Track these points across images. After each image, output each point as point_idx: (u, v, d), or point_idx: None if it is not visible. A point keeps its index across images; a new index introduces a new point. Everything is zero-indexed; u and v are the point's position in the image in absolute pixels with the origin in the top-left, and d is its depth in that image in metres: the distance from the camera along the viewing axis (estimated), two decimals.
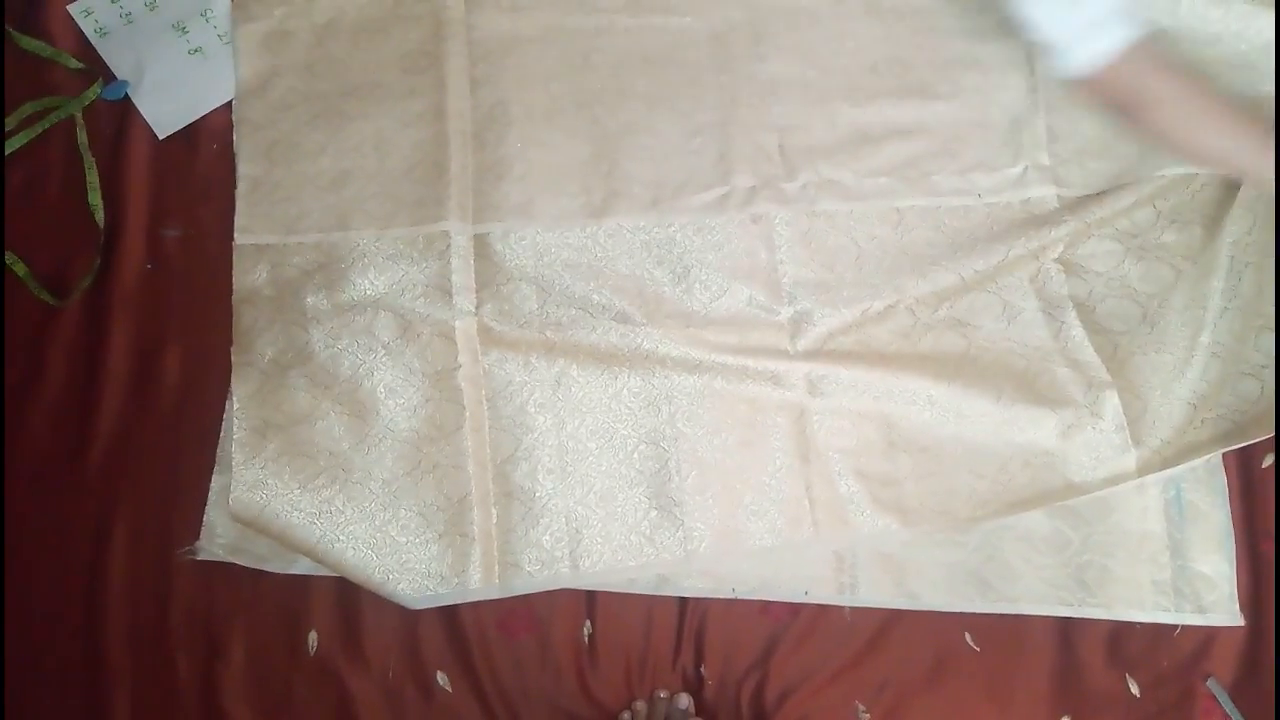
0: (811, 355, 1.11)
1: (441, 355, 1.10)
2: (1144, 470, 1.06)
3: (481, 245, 1.14)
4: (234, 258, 1.15)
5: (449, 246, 1.13)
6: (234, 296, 1.13)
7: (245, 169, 1.18)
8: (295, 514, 1.05)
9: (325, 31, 1.23)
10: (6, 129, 1.18)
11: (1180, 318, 1.10)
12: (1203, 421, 1.07)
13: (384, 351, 1.10)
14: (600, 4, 1.25)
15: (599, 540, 1.06)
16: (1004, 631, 1.06)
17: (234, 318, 1.13)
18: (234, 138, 1.19)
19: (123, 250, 1.16)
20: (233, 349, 1.11)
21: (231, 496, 1.05)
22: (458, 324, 1.11)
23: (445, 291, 1.12)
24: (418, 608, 1.04)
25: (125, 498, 1.09)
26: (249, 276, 1.14)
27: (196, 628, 1.06)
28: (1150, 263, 1.13)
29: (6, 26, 1.21)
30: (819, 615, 1.07)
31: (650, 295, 1.13)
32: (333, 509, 1.05)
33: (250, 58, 1.22)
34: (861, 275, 1.14)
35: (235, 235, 1.15)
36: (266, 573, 1.07)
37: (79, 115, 1.19)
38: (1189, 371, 1.07)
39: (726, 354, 1.11)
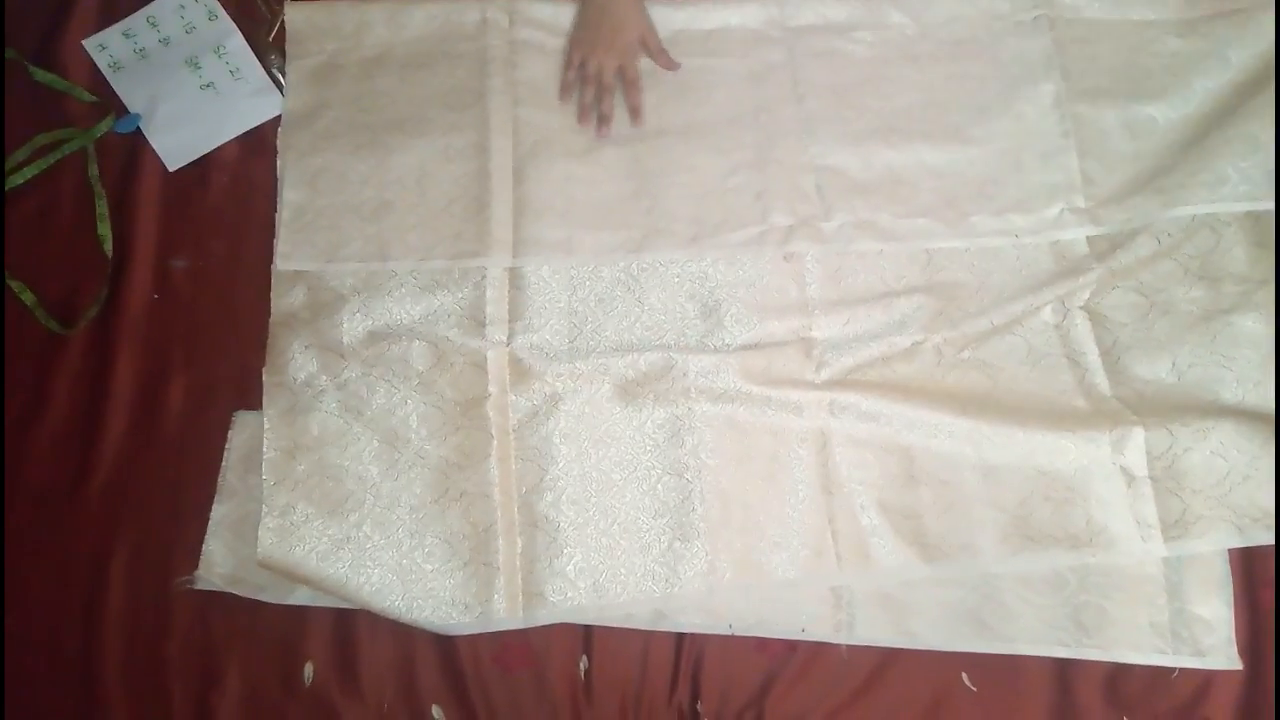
0: (834, 385, 1.12)
1: (472, 384, 1.12)
2: (1167, 523, 1.06)
3: (516, 278, 1.16)
4: (273, 281, 1.17)
5: (484, 278, 1.16)
6: (271, 319, 1.15)
7: (289, 196, 1.20)
8: (322, 540, 1.05)
9: (373, 66, 1.26)
10: (19, 160, 1.20)
11: (1209, 372, 1.11)
12: (1231, 486, 1.07)
13: (418, 380, 1.12)
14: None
15: (622, 571, 1.07)
16: (1001, 672, 1.06)
17: (269, 339, 1.14)
18: (278, 165, 1.22)
19: (130, 280, 1.17)
20: (265, 370, 1.12)
21: (261, 524, 1.05)
22: (489, 354, 1.12)
23: (479, 321, 1.14)
24: (447, 634, 1.05)
25: (126, 526, 1.10)
26: (286, 299, 1.16)
27: (193, 657, 1.06)
28: (1176, 317, 1.14)
29: (23, 59, 1.23)
30: (816, 653, 1.06)
31: (679, 328, 1.15)
32: (360, 534, 1.06)
33: (300, 90, 1.25)
34: (890, 313, 1.16)
35: (276, 261, 1.17)
36: (264, 604, 1.07)
37: (90, 148, 1.21)
38: (1219, 426, 1.07)
39: (751, 384, 1.12)
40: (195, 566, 1.08)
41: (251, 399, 1.13)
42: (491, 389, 1.12)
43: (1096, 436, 1.08)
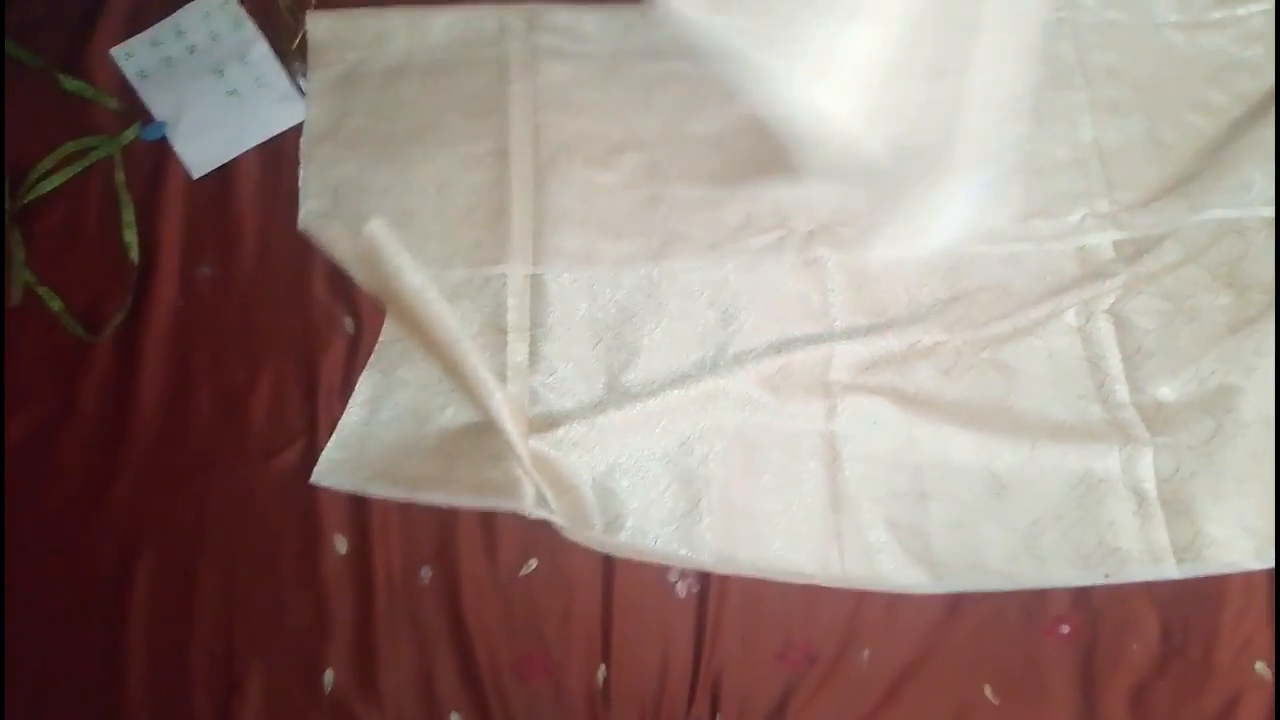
0: (850, 392, 1.11)
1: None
2: (1179, 545, 1.05)
3: (537, 285, 1.16)
4: None
5: (504, 285, 1.16)
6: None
7: (311, 205, 1.20)
8: None
9: (395, 74, 1.26)
10: (47, 168, 1.21)
11: (1230, 381, 1.09)
12: (1244, 509, 1.05)
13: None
14: (662, 50, 1.27)
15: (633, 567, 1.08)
16: (1025, 685, 1.05)
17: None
18: (300, 175, 1.22)
19: (156, 288, 1.18)
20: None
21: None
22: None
23: (500, 329, 1.14)
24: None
25: (150, 534, 1.10)
26: None
27: (215, 665, 1.07)
28: (1202, 324, 1.12)
29: (52, 68, 1.24)
30: (836, 664, 1.06)
31: (699, 336, 1.14)
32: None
33: (322, 99, 1.25)
34: (912, 319, 1.15)
35: None
36: (285, 611, 1.07)
37: (117, 155, 1.22)
38: (1229, 447, 1.06)
39: (766, 394, 1.11)
40: (219, 576, 1.09)
41: (279, 406, 1.14)
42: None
43: (1106, 453, 1.07)
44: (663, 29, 1.27)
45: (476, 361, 1.06)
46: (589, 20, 1.28)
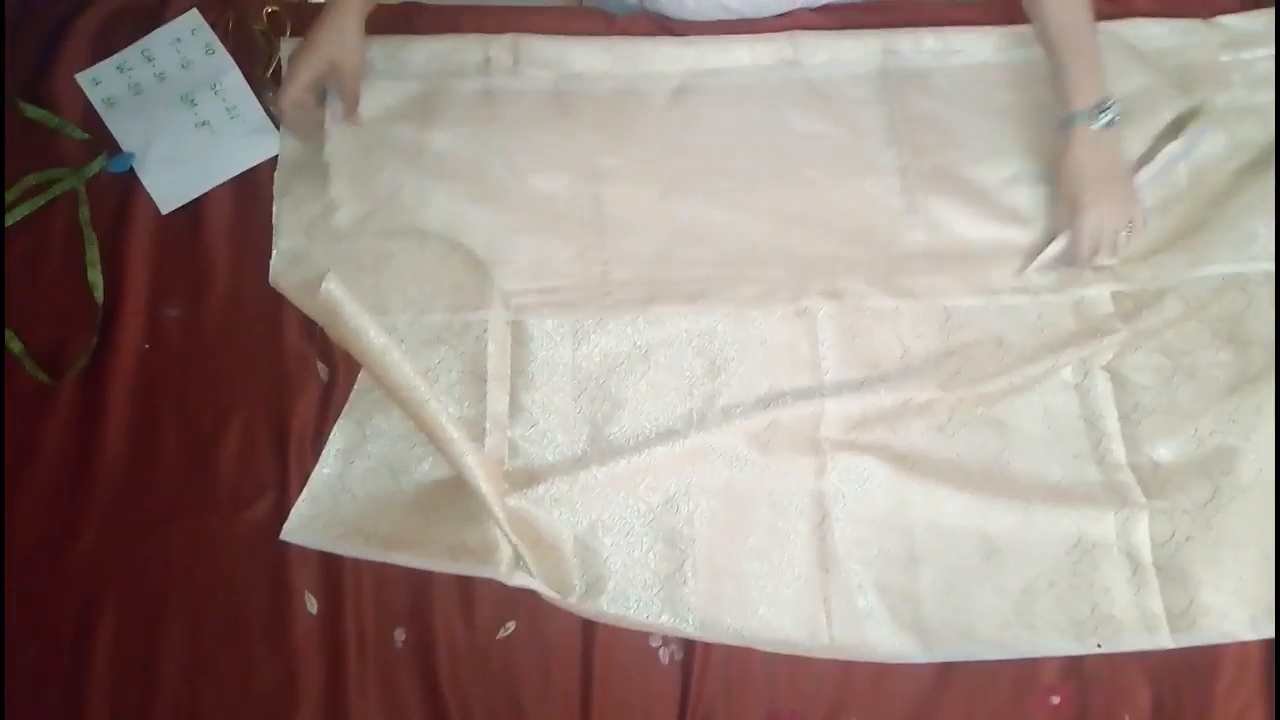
0: (841, 449, 1.07)
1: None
2: (1174, 614, 1.02)
3: (519, 331, 1.12)
4: None
5: (485, 331, 1.11)
6: None
7: (284, 244, 1.16)
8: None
9: None
10: (9, 202, 1.16)
11: (1229, 442, 1.07)
12: (1241, 577, 1.03)
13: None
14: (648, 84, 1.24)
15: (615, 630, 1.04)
16: None
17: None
18: (274, 211, 1.18)
19: (121, 329, 1.13)
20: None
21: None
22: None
23: (479, 377, 1.10)
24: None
25: (115, 583, 1.06)
26: None
27: None
28: (1201, 382, 1.10)
29: (12, 96, 1.19)
30: None
31: (685, 387, 1.10)
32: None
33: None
34: (905, 374, 1.11)
35: None
36: (253, 673, 1.03)
37: (82, 189, 1.17)
38: (1226, 511, 1.04)
39: (754, 451, 1.08)
40: (184, 625, 1.04)
41: (248, 456, 1.10)
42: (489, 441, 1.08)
43: (1102, 516, 1.04)
44: (652, 64, 1.24)
45: (446, 422, 1.01)
46: (577, 53, 1.23)
